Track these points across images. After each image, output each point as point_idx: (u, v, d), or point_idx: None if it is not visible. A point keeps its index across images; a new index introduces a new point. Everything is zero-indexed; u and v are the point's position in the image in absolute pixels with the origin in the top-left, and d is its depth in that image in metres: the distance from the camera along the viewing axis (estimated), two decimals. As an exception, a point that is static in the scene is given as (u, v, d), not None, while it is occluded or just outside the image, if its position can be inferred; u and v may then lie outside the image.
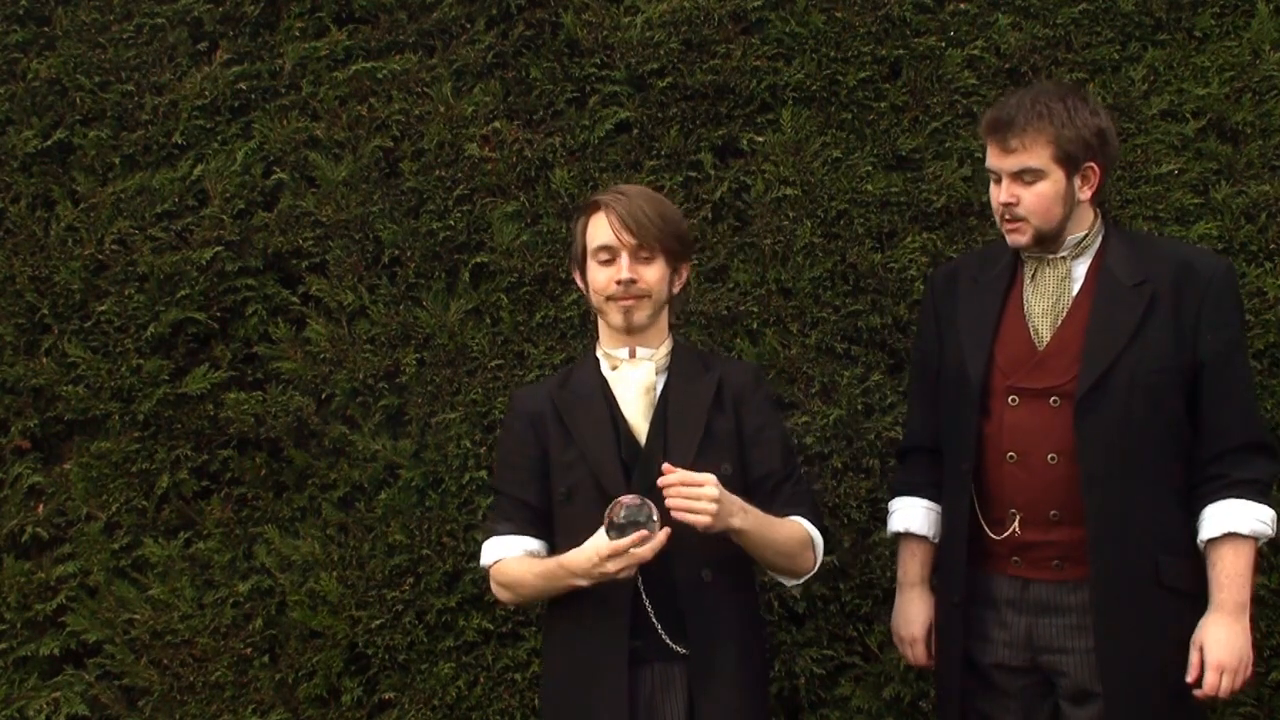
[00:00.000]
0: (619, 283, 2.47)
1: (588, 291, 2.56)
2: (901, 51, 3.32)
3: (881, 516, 3.24)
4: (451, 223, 3.34)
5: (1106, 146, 2.55)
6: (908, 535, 2.76)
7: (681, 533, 2.35)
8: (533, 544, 2.50)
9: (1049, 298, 2.58)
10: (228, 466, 3.37)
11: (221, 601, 3.33)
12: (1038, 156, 2.50)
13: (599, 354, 2.57)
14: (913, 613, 2.74)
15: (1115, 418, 2.47)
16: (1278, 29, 3.30)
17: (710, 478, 2.31)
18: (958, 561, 2.60)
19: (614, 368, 2.52)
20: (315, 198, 3.36)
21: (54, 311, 3.39)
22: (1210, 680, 2.45)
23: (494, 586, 2.56)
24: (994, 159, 2.56)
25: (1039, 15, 3.33)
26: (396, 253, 3.35)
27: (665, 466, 2.32)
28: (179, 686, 3.33)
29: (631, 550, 2.29)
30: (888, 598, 3.25)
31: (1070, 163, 2.51)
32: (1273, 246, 3.26)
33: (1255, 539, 2.48)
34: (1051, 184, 2.51)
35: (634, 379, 2.50)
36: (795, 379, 3.27)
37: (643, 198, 2.51)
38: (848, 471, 3.26)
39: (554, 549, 2.50)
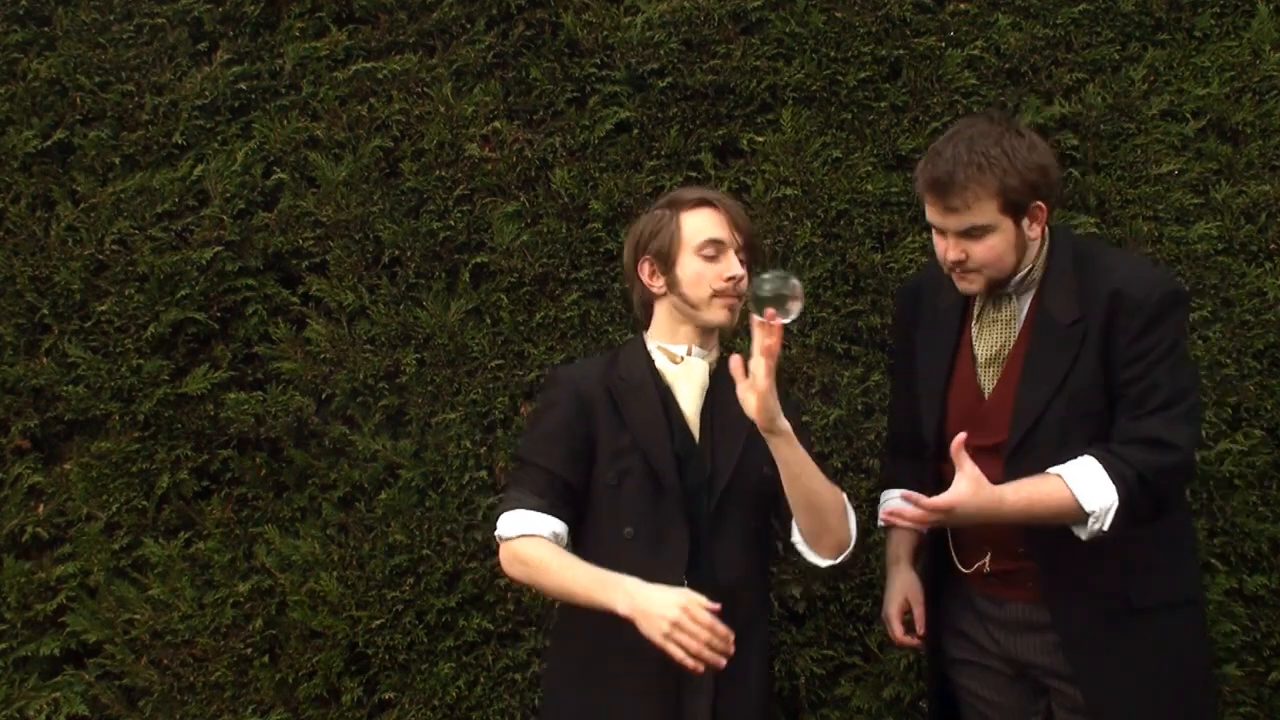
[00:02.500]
0: (730, 278, 2.47)
1: (676, 285, 2.49)
2: (901, 51, 3.32)
3: (881, 516, 3.25)
4: (451, 223, 3.34)
5: (1050, 181, 2.42)
6: (899, 532, 2.77)
7: (722, 533, 2.41)
8: (558, 526, 2.42)
9: (993, 345, 2.52)
10: (228, 466, 3.37)
11: (221, 601, 3.33)
12: (984, 213, 2.37)
13: (652, 347, 2.54)
14: (892, 591, 2.71)
15: (1047, 461, 2.37)
16: (1278, 29, 3.30)
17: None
18: (930, 576, 2.67)
19: (675, 362, 2.51)
20: (315, 198, 3.36)
21: (54, 311, 3.39)
22: (925, 504, 2.32)
23: (507, 558, 2.43)
24: (936, 218, 2.43)
25: (1039, 15, 3.33)
26: (396, 253, 3.35)
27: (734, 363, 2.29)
28: (179, 686, 3.33)
29: (702, 628, 2.21)
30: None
31: (1017, 210, 2.39)
32: (1273, 246, 3.26)
33: (1076, 502, 2.33)
34: (1001, 235, 2.39)
35: (694, 375, 2.50)
36: (795, 379, 3.27)
37: (736, 202, 2.56)
38: (848, 471, 3.26)
39: (577, 532, 2.46)
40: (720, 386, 2.50)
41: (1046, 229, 2.49)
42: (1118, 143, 3.31)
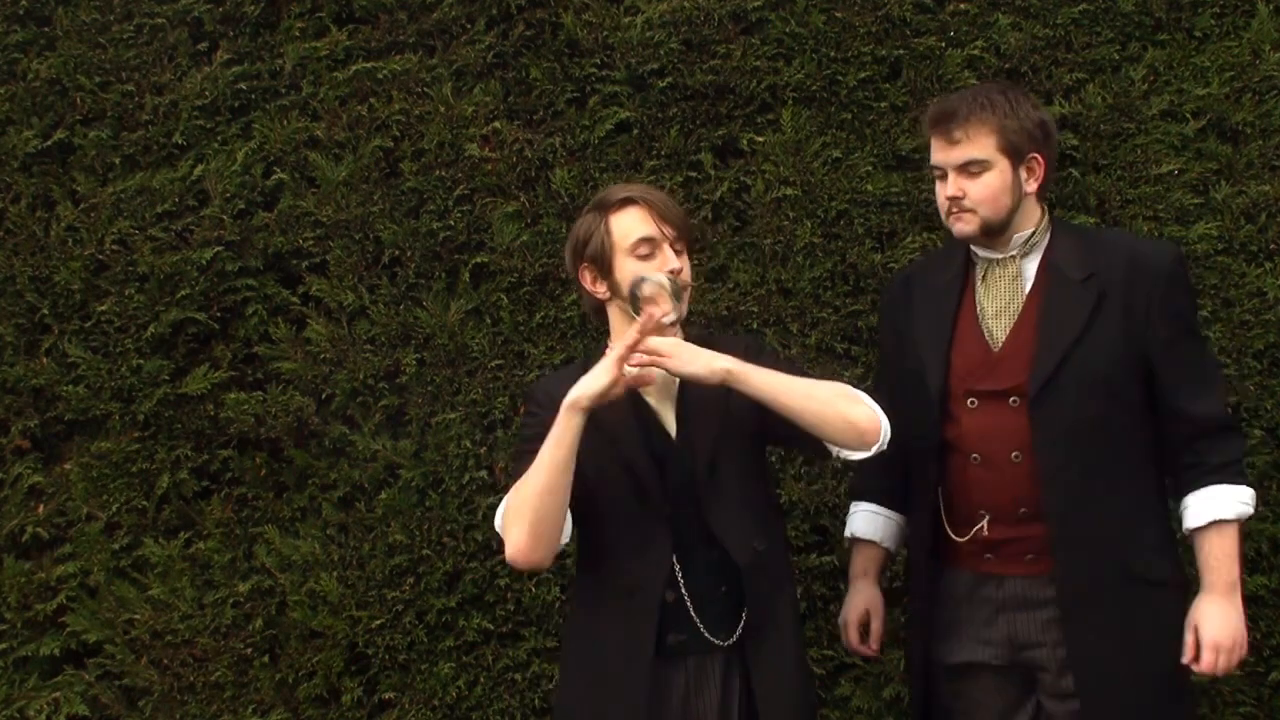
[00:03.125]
0: (671, 272, 2.42)
1: (618, 289, 2.46)
2: (901, 51, 3.32)
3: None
4: (451, 223, 3.34)
5: (1049, 139, 2.57)
6: (855, 539, 2.82)
7: (721, 515, 2.39)
8: None
9: (1001, 299, 2.58)
10: (228, 466, 3.37)
11: (221, 601, 3.33)
12: (982, 147, 2.50)
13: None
14: (853, 601, 2.79)
15: (1070, 414, 2.47)
16: (1278, 29, 3.30)
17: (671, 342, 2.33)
18: (921, 567, 2.65)
19: (632, 363, 2.50)
20: (315, 198, 3.36)
21: (54, 311, 3.39)
22: (1207, 659, 2.48)
23: (504, 527, 2.37)
24: (938, 154, 2.56)
25: (1039, 15, 3.33)
26: (396, 253, 3.35)
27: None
28: (179, 686, 3.33)
29: (645, 345, 2.26)
30: (887, 598, 3.24)
31: (1015, 153, 2.52)
32: (1273, 246, 3.26)
33: (1239, 520, 2.52)
34: (998, 174, 2.52)
35: (657, 372, 2.47)
36: (795, 379, 3.27)
37: (660, 193, 2.53)
38: (848, 471, 3.25)
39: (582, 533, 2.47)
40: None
41: (1045, 206, 2.61)
42: (1118, 143, 3.31)
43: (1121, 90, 3.31)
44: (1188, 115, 3.30)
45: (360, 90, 3.38)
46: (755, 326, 3.28)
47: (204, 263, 3.35)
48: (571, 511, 2.37)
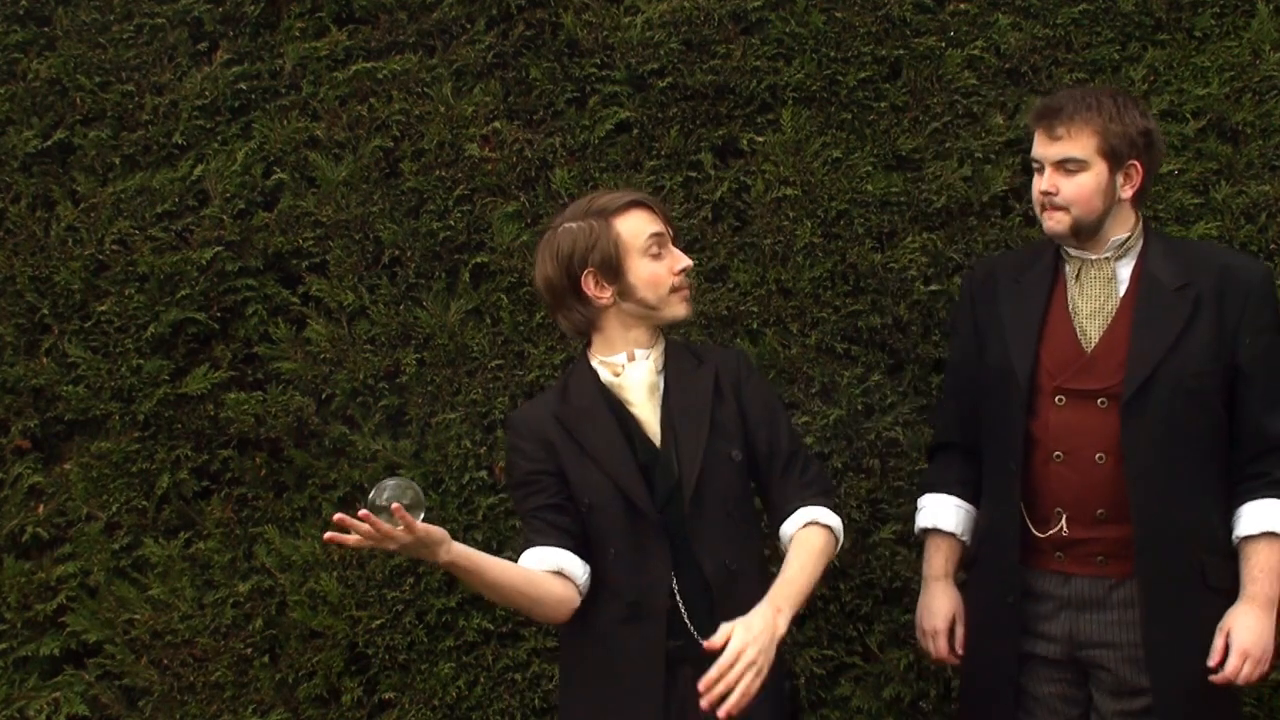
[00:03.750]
0: (682, 270, 2.50)
1: (630, 291, 2.48)
2: (901, 51, 3.32)
3: (882, 516, 3.25)
4: (451, 223, 3.34)
5: (1152, 149, 2.59)
6: (935, 531, 2.77)
7: (703, 528, 2.41)
8: (561, 556, 2.42)
9: (1096, 299, 2.60)
10: (228, 466, 3.37)
11: (221, 601, 3.33)
12: (1082, 147, 2.53)
13: (595, 364, 2.54)
14: (937, 605, 2.74)
15: (1160, 419, 2.50)
16: (1278, 29, 3.30)
17: (736, 644, 2.25)
18: (1009, 561, 2.61)
19: (616, 374, 2.51)
20: (315, 198, 3.36)
21: (54, 311, 3.39)
22: (1233, 664, 2.49)
23: None
24: (1039, 147, 2.58)
25: (1039, 15, 3.33)
26: (396, 253, 3.35)
27: (703, 683, 2.24)
28: (179, 686, 3.33)
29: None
30: (888, 598, 3.26)
31: (1114, 157, 2.54)
32: (1273, 246, 3.26)
33: None
34: (1094, 175, 2.54)
35: (638, 379, 2.50)
36: (795, 379, 3.27)
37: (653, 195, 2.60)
38: (848, 471, 3.26)
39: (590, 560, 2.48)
40: (672, 378, 2.51)
41: (1140, 213, 2.64)
42: (1118, 143, 3.31)
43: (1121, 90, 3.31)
44: (1188, 115, 3.30)
45: (360, 90, 3.38)
46: (755, 326, 3.28)
47: (204, 263, 3.35)
48: (583, 539, 2.45)
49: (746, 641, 2.25)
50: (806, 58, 3.32)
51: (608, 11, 3.35)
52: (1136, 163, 2.56)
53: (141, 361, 3.35)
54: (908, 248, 3.28)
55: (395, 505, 2.16)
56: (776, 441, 2.52)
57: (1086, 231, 2.58)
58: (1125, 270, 2.61)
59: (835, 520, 2.49)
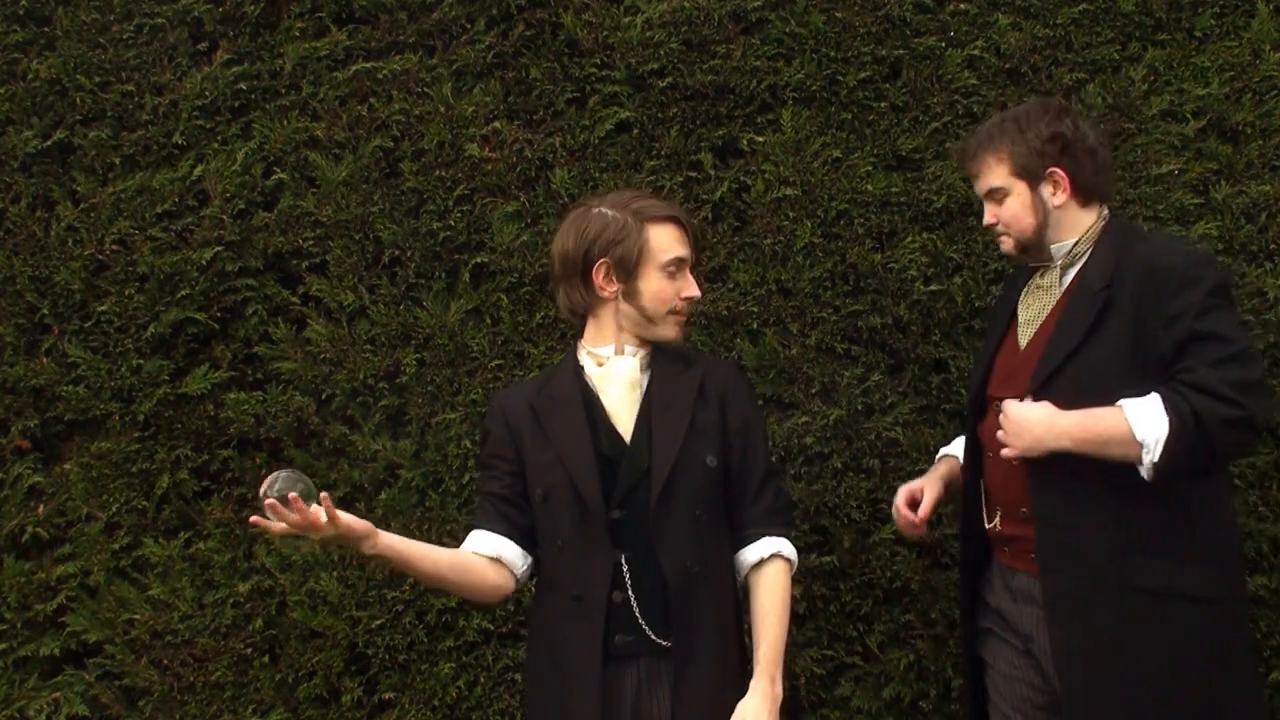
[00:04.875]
0: (688, 298, 2.54)
1: (636, 296, 2.51)
2: (901, 51, 3.32)
3: (882, 516, 3.25)
4: (451, 223, 3.34)
5: (1069, 149, 2.61)
6: (946, 455, 2.89)
7: (665, 527, 2.40)
8: (501, 544, 2.50)
9: (1034, 308, 2.68)
10: (228, 466, 3.37)
11: (222, 601, 3.33)
12: (997, 176, 2.64)
13: (582, 354, 2.56)
14: (919, 480, 2.82)
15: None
16: (1278, 29, 3.30)
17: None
18: (966, 557, 2.75)
19: (599, 365, 2.53)
20: (315, 198, 3.36)
21: (54, 311, 3.39)
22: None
23: None
24: (975, 185, 2.73)
25: (1039, 15, 3.33)
26: (396, 253, 3.35)
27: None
28: (179, 686, 3.33)
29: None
30: (888, 598, 3.26)
31: (1029, 175, 2.62)
32: (1273, 246, 3.26)
33: (1129, 429, 2.42)
34: (1016, 198, 2.63)
35: (619, 373, 2.51)
36: (795, 379, 3.27)
37: (694, 220, 2.61)
38: (848, 471, 3.26)
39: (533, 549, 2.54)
40: (657, 377, 2.52)
41: (1105, 211, 2.66)
42: (1118, 143, 3.31)
43: (1121, 90, 3.31)
44: (1188, 115, 3.30)
45: (360, 90, 3.38)
46: (755, 326, 3.28)
47: (204, 263, 3.35)
48: (518, 518, 2.51)
49: None
50: (806, 58, 3.32)
51: (608, 11, 3.35)
52: (1057, 169, 2.60)
53: (141, 361, 3.35)
54: (908, 248, 3.28)
55: (293, 495, 2.24)
56: (754, 459, 2.53)
57: (1033, 248, 2.65)
58: (1069, 276, 2.64)
59: (794, 554, 2.53)
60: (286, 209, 3.37)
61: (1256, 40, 3.30)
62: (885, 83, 3.33)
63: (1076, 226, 2.63)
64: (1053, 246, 2.64)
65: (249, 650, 3.32)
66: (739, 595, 2.54)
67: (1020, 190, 2.63)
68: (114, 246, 3.38)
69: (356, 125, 3.37)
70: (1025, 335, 2.66)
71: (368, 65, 3.37)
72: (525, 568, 2.53)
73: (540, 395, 2.55)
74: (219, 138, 3.40)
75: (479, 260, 3.33)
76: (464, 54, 3.37)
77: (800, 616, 3.28)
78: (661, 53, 3.33)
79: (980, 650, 2.71)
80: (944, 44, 3.32)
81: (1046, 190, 2.62)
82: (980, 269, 3.28)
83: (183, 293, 3.35)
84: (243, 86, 3.39)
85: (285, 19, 3.42)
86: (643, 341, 2.55)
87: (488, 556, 2.50)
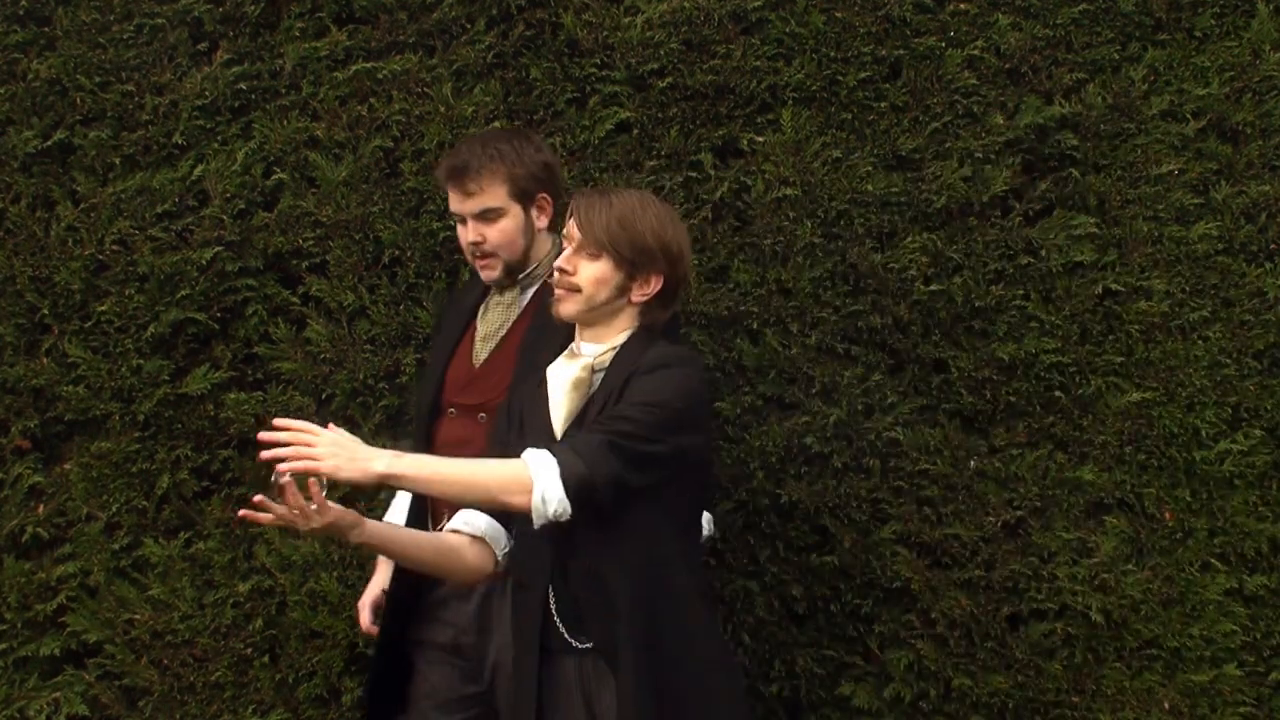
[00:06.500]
0: (558, 269, 2.52)
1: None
2: (901, 51, 3.32)
3: (882, 516, 3.25)
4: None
5: (554, 178, 2.86)
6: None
7: (575, 527, 2.33)
8: (486, 524, 2.49)
9: (491, 324, 2.86)
10: (228, 466, 3.37)
11: (222, 601, 3.33)
12: (496, 196, 2.78)
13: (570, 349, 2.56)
14: (373, 584, 3.01)
15: None
16: (1278, 29, 3.30)
17: (321, 432, 2.20)
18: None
19: (568, 357, 2.54)
20: (315, 198, 3.36)
21: (54, 312, 3.39)
22: None
23: None
24: (456, 204, 2.82)
25: (1039, 15, 3.33)
26: (396, 253, 3.35)
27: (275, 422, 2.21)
28: (179, 686, 3.33)
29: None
30: (888, 598, 3.26)
31: (525, 197, 2.80)
32: (1273, 246, 3.27)
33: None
34: (512, 219, 2.80)
35: (562, 374, 2.50)
36: (795, 379, 3.27)
37: (610, 203, 2.49)
38: (848, 471, 3.26)
39: None
40: (606, 376, 2.46)
41: (553, 238, 2.85)
42: (1118, 143, 3.31)
43: (1121, 90, 3.31)
44: (1188, 115, 3.30)
45: (360, 90, 3.38)
46: (755, 326, 3.28)
47: (204, 263, 3.35)
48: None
49: (326, 435, 2.20)
50: (806, 58, 3.32)
51: (608, 11, 3.35)
52: (545, 194, 2.83)
53: (141, 361, 3.35)
54: (908, 248, 3.28)
55: (311, 481, 2.20)
56: (618, 409, 2.38)
57: (516, 269, 2.83)
58: (527, 296, 2.85)
59: (547, 469, 2.28)
60: (286, 209, 3.37)
61: (1256, 40, 3.30)
62: (885, 83, 3.33)
63: (542, 249, 2.84)
64: (527, 268, 2.83)
65: (249, 650, 3.32)
66: (686, 596, 2.43)
67: (516, 213, 2.80)
68: (114, 246, 3.38)
69: (356, 125, 3.37)
70: (484, 350, 2.84)
71: (368, 65, 3.37)
72: (507, 545, 2.49)
73: (530, 384, 2.60)
74: (219, 138, 3.40)
75: (479, 260, 3.33)
76: (464, 54, 3.37)
77: (800, 616, 3.28)
78: (661, 53, 3.33)
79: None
80: (944, 44, 3.32)
81: (534, 214, 2.82)
82: (980, 269, 3.28)
83: (183, 293, 3.35)
84: (243, 86, 3.39)
85: (285, 19, 3.42)
86: (596, 336, 2.52)
87: (470, 535, 2.48)
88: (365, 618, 3.00)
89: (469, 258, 2.87)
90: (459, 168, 2.78)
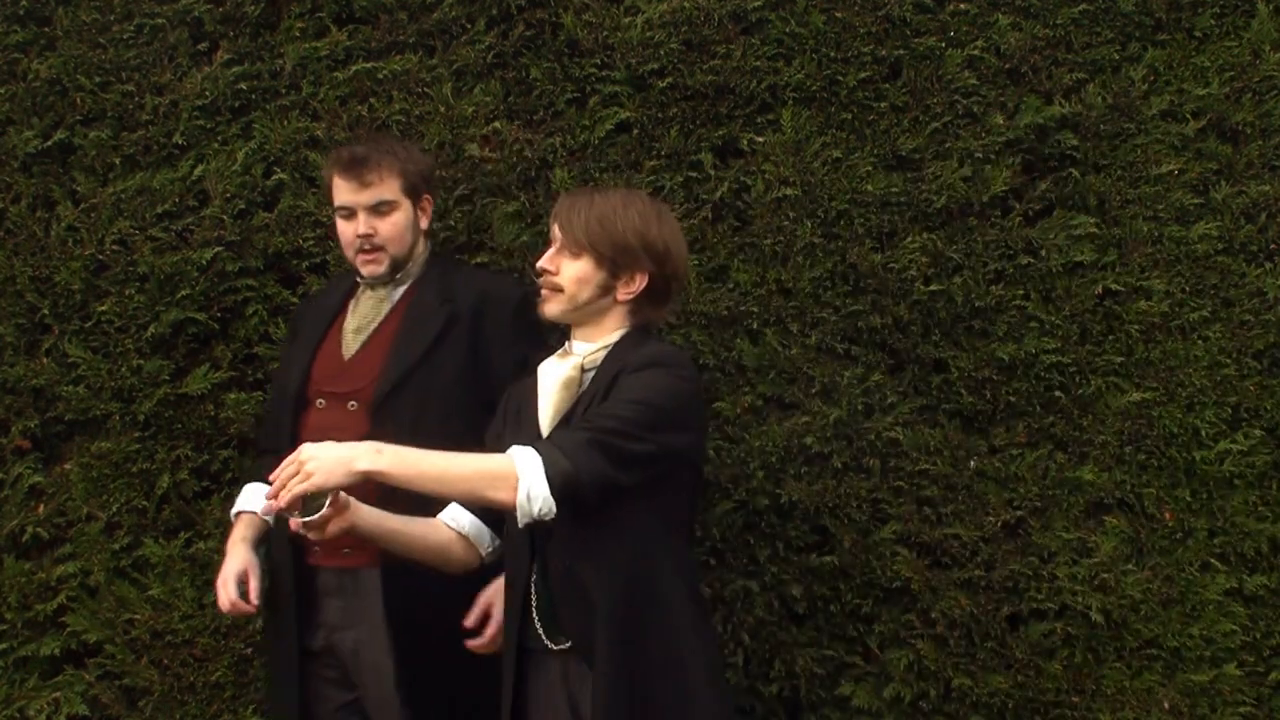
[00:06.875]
0: (540, 269, 2.57)
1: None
2: (901, 51, 3.32)
3: (882, 516, 3.25)
4: (451, 223, 3.34)
5: (432, 180, 3.00)
6: (242, 512, 2.98)
7: (557, 527, 2.32)
8: (470, 523, 2.60)
9: (363, 317, 2.92)
10: (228, 466, 3.36)
11: (222, 601, 3.33)
12: (391, 189, 2.87)
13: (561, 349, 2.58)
14: (232, 563, 2.90)
15: (408, 422, 2.71)
16: (1278, 29, 3.31)
17: (297, 453, 2.24)
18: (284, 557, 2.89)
19: (559, 358, 2.55)
20: (315, 198, 3.36)
21: (54, 311, 3.39)
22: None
23: None
24: (348, 195, 2.88)
25: (1039, 15, 3.33)
26: (397, 253, 3.35)
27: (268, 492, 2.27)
28: (179, 686, 3.32)
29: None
30: (889, 597, 3.26)
31: (414, 194, 2.92)
32: (1273, 246, 3.27)
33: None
34: (404, 213, 2.90)
35: (550, 373, 2.52)
36: (795, 379, 3.27)
37: (591, 202, 2.51)
38: (848, 471, 3.26)
39: None
40: (596, 375, 2.45)
41: (429, 241, 3.01)
42: (1118, 143, 3.31)
43: (1121, 90, 3.31)
44: (1188, 115, 3.30)
45: (360, 90, 3.38)
46: (755, 326, 3.28)
47: (204, 263, 3.35)
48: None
49: (302, 453, 2.23)
50: (806, 58, 3.32)
51: (608, 11, 3.36)
52: (429, 195, 2.97)
53: (141, 361, 3.35)
54: (908, 248, 3.28)
55: (336, 497, 2.33)
56: (604, 408, 2.36)
57: (401, 265, 2.92)
58: (399, 293, 2.93)
59: (532, 466, 2.26)
60: (286, 209, 3.37)
61: (1256, 40, 3.30)
62: (885, 83, 3.33)
63: (418, 249, 2.96)
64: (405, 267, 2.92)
65: (249, 650, 3.32)
66: (671, 597, 2.41)
67: (406, 208, 2.90)
68: (114, 246, 3.38)
69: (357, 125, 3.37)
70: (354, 342, 2.90)
71: (368, 65, 3.37)
72: (490, 543, 2.55)
73: (514, 385, 2.63)
74: (219, 138, 3.40)
75: (479, 260, 3.33)
76: (464, 54, 3.37)
77: (800, 616, 3.28)
78: (661, 53, 3.33)
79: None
80: (944, 44, 3.32)
81: (418, 213, 2.93)
82: (980, 269, 3.28)
83: (183, 293, 3.35)
84: (243, 86, 3.39)
85: (285, 19, 3.42)
86: (587, 335, 2.53)
87: (459, 534, 2.54)
88: (230, 592, 2.85)
89: (351, 253, 2.92)
90: (358, 158, 2.85)
